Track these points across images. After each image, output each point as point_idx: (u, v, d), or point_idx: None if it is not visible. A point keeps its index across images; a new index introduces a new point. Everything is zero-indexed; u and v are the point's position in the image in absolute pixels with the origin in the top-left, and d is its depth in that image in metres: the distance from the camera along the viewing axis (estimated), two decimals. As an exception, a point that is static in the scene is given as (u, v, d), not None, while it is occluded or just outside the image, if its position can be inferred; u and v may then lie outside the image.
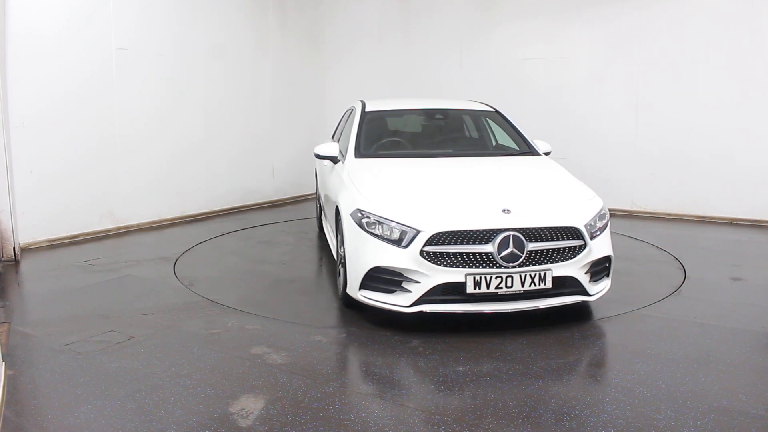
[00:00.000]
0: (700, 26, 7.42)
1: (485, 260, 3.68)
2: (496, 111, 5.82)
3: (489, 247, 3.66)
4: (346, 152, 5.06)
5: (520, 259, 3.68)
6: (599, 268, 4.06)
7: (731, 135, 7.37)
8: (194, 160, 7.97)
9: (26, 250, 6.01)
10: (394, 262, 3.74)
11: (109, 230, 6.90)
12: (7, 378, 3.20)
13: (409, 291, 3.75)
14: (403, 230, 3.74)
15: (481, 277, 3.65)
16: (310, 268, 5.68)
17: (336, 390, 3.14)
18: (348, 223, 4.08)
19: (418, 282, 3.71)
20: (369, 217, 3.90)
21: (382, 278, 3.82)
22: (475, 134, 5.88)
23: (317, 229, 7.06)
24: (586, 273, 3.92)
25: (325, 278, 5.21)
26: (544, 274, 3.72)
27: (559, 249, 3.80)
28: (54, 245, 6.29)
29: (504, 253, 3.66)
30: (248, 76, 8.77)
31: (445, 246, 3.68)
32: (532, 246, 3.71)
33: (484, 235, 3.68)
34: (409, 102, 6.40)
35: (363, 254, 3.89)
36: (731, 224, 7.37)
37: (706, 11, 7.38)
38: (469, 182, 4.44)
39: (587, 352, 3.69)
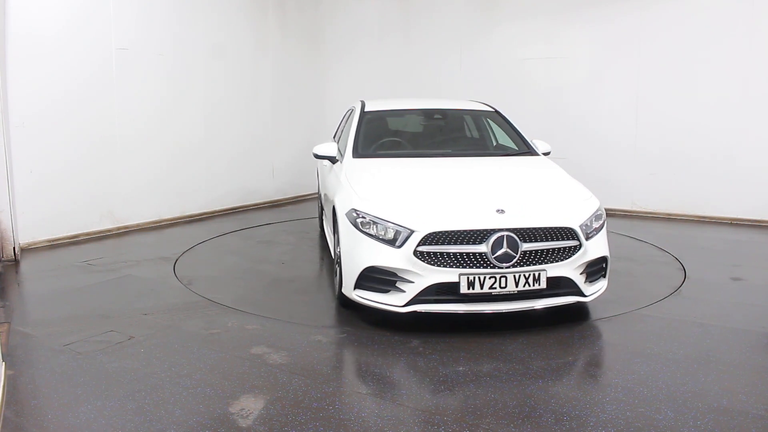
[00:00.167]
0: (700, 26, 7.42)
1: (479, 260, 3.67)
2: (496, 111, 5.82)
3: (483, 248, 3.66)
4: (345, 152, 5.07)
5: (514, 260, 3.67)
6: (595, 269, 4.04)
7: (731, 135, 7.37)
8: (194, 160, 7.97)
9: (26, 250, 6.01)
10: (388, 261, 3.74)
11: (109, 230, 6.90)
12: (7, 378, 3.20)
13: (403, 291, 3.75)
14: (397, 230, 3.75)
15: (474, 278, 3.65)
16: (310, 268, 5.68)
17: (336, 390, 3.14)
18: (343, 223, 4.09)
19: (412, 282, 3.71)
20: (364, 217, 3.90)
21: (376, 278, 3.83)
22: (474, 134, 5.88)
23: (318, 229, 7.06)
24: (581, 274, 3.91)
25: (324, 278, 5.21)
26: (539, 275, 3.71)
27: (553, 249, 3.79)
28: (54, 245, 6.29)
29: (498, 253, 3.65)
30: (248, 76, 8.77)
31: (439, 246, 3.68)
32: (526, 246, 3.70)
33: (477, 235, 3.68)
34: (408, 102, 6.40)
35: (358, 254, 3.89)
36: (731, 224, 7.37)
37: (706, 11, 7.38)
38: (465, 182, 4.43)
39: (587, 352, 3.69)
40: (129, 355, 3.52)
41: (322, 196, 6.18)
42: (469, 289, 3.66)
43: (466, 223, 3.72)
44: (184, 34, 7.65)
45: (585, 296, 3.96)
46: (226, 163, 8.44)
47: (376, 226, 3.83)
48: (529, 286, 3.71)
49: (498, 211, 3.80)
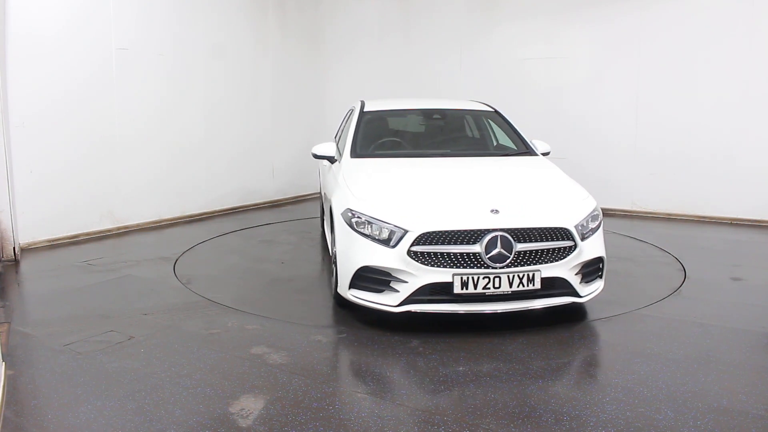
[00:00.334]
0: (700, 26, 7.42)
1: (473, 260, 3.67)
2: (495, 111, 5.82)
3: (477, 248, 3.65)
4: (343, 152, 5.08)
5: (508, 260, 3.66)
6: (591, 269, 4.02)
7: (731, 135, 7.37)
8: (194, 160, 7.97)
9: (26, 250, 6.01)
10: (383, 261, 3.74)
11: (109, 230, 6.90)
12: (7, 378, 3.20)
13: (397, 291, 3.75)
14: (391, 230, 3.75)
15: (468, 278, 3.65)
16: (310, 268, 5.67)
17: (336, 390, 3.15)
18: (339, 223, 4.10)
19: (406, 282, 3.72)
20: (359, 217, 3.91)
21: (370, 278, 3.83)
22: (473, 134, 5.88)
23: (320, 229, 7.06)
24: (576, 274, 3.89)
25: (323, 278, 5.21)
26: (533, 275, 3.71)
27: (548, 250, 3.77)
28: (54, 245, 6.29)
29: (492, 253, 3.65)
30: (248, 76, 8.77)
31: (433, 246, 3.68)
32: (520, 246, 3.69)
33: (471, 236, 3.67)
34: (407, 102, 6.39)
35: (353, 254, 3.90)
36: (731, 224, 7.37)
37: (706, 11, 7.38)
38: (461, 182, 4.43)
39: (587, 352, 3.69)
40: (129, 355, 3.52)
41: (323, 195, 6.18)
42: (462, 289, 3.66)
43: (460, 223, 3.72)
44: (184, 34, 7.65)
45: (580, 297, 3.94)
46: (226, 163, 8.44)
47: (371, 226, 3.83)
48: (524, 286, 3.70)
49: (492, 211, 3.79)
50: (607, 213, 8.03)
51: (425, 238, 3.68)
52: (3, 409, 2.88)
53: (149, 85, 7.26)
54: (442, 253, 3.68)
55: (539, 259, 3.76)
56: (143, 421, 2.77)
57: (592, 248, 3.94)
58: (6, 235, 5.60)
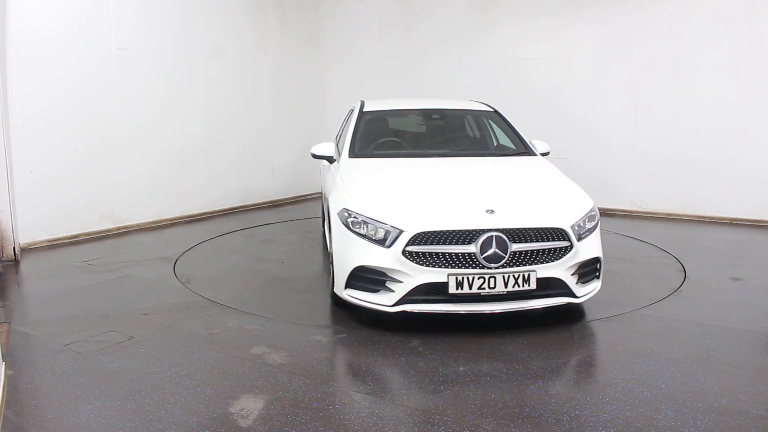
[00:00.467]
0: (700, 26, 7.42)
1: (468, 261, 3.66)
2: (495, 111, 5.81)
3: (472, 248, 3.65)
4: (342, 152, 5.08)
5: (504, 260, 3.66)
6: (588, 270, 4.01)
7: (731, 135, 7.37)
8: (194, 160, 7.97)
9: (26, 250, 6.01)
10: (378, 261, 3.75)
11: (109, 230, 6.90)
12: (7, 378, 3.20)
13: (393, 291, 3.75)
14: (387, 230, 3.75)
15: (463, 278, 3.65)
16: (309, 267, 5.67)
17: (336, 390, 3.15)
18: (335, 222, 4.10)
19: (401, 282, 3.71)
20: (356, 217, 3.91)
21: (366, 277, 3.83)
22: (473, 134, 5.87)
23: (321, 228, 7.06)
24: (573, 275, 3.87)
25: (324, 277, 5.21)
26: (528, 275, 3.69)
27: (544, 250, 3.76)
28: (54, 245, 6.29)
29: (487, 253, 3.64)
30: (248, 76, 8.77)
31: (428, 246, 3.68)
32: (516, 247, 3.68)
33: (467, 236, 3.67)
34: (407, 102, 6.39)
35: (349, 253, 3.90)
36: (731, 224, 7.37)
37: (706, 11, 7.38)
38: (458, 182, 4.42)
39: (587, 352, 3.69)
40: (129, 355, 3.52)
41: (324, 195, 6.18)
42: (457, 289, 3.66)
43: (455, 223, 3.72)
44: (184, 34, 7.66)
45: (577, 297, 3.92)
46: (226, 163, 8.44)
47: (367, 226, 3.83)
48: (519, 286, 3.69)
49: (488, 211, 3.79)
50: (607, 213, 8.04)
51: (420, 238, 3.68)
52: (3, 409, 2.88)
53: (149, 85, 7.26)
54: (437, 253, 3.68)
55: (535, 259, 3.75)
56: (143, 421, 2.77)
57: (588, 249, 3.93)
58: (6, 235, 5.60)
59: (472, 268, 3.66)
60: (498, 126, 5.69)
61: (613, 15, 7.97)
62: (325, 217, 6.29)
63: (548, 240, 3.77)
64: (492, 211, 3.78)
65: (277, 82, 9.22)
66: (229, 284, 5.11)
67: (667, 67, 7.67)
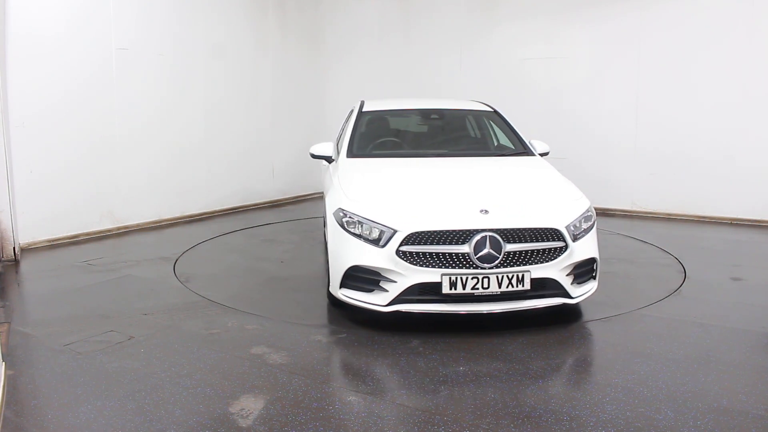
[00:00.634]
0: (700, 26, 7.42)
1: (462, 261, 3.66)
2: (494, 111, 5.81)
3: (465, 248, 3.64)
4: (340, 152, 5.08)
5: (497, 260, 3.65)
6: (584, 270, 3.99)
7: (731, 135, 7.37)
8: (194, 160, 7.97)
9: (26, 250, 6.01)
10: (372, 261, 3.75)
11: (109, 230, 6.90)
12: (7, 378, 3.20)
13: (386, 290, 3.75)
14: (381, 230, 3.75)
15: (456, 278, 3.64)
16: (309, 267, 5.67)
17: (336, 390, 3.15)
18: (331, 222, 4.11)
19: (395, 282, 3.72)
20: (351, 217, 3.91)
21: (361, 277, 3.84)
22: (472, 134, 5.87)
23: (323, 228, 7.05)
24: (568, 275, 3.85)
25: (323, 277, 5.20)
26: (522, 276, 3.68)
27: (538, 250, 3.75)
28: (54, 245, 6.29)
29: (481, 253, 3.64)
30: (248, 76, 8.77)
31: (422, 246, 3.68)
32: (510, 247, 3.67)
33: (460, 236, 3.67)
34: (406, 102, 6.39)
35: (343, 253, 3.91)
36: (731, 224, 7.37)
37: (706, 11, 7.38)
38: (454, 182, 4.42)
39: (587, 352, 3.69)
40: (129, 355, 3.52)
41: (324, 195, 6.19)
42: (451, 289, 3.66)
43: (449, 223, 3.71)
44: (184, 34, 7.66)
45: (572, 298, 3.90)
46: (226, 163, 8.44)
47: (362, 226, 3.84)
48: (513, 287, 3.68)
49: (482, 211, 3.78)
50: (607, 213, 8.04)
51: (414, 238, 3.68)
52: (3, 409, 2.88)
53: (149, 85, 7.26)
54: (431, 253, 3.68)
55: (529, 259, 3.74)
56: (143, 421, 2.77)
57: (584, 249, 3.91)
58: (6, 235, 5.60)
59: (466, 268, 3.66)
60: (498, 126, 5.69)
61: (613, 15, 7.97)
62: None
63: (543, 240, 3.76)
64: (486, 211, 3.78)
65: (277, 82, 9.22)
66: (229, 284, 5.11)
67: (667, 67, 7.67)
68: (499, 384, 3.16)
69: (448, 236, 3.67)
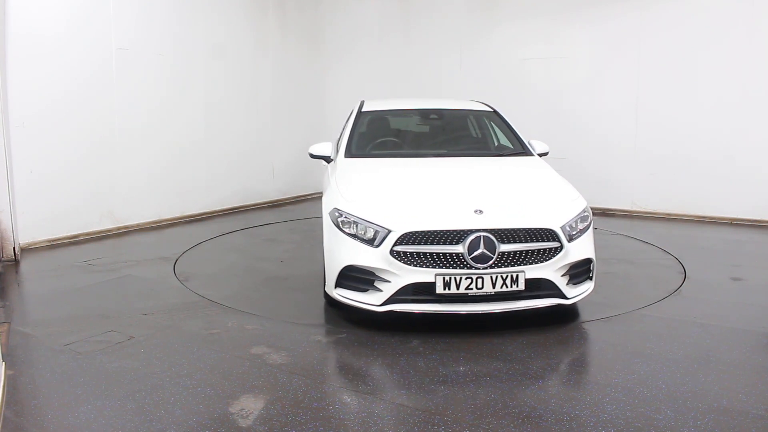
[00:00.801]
0: (700, 26, 7.42)
1: (456, 261, 3.66)
2: (494, 111, 5.80)
3: (460, 248, 3.64)
4: (339, 151, 5.09)
5: (491, 261, 3.64)
6: (579, 271, 3.96)
7: (731, 135, 7.37)
8: (194, 160, 7.97)
9: (26, 250, 6.01)
10: (366, 261, 3.75)
11: (109, 230, 6.90)
12: (7, 378, 3.20)
13: (381, 290, 3.75)
14: (375, 230, 3.75)
15: (450, 278, 3.64)
16: (308, 267, 5.66)
17: (336, 390, 3.15)
18: (326, 222, 4.12)
19: (389, 281, 3.71)
20: (346, 217, 3.91)
21: (355, 277, 3.84)
22: (472, 134, 5.86)
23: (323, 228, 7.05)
24: (563, 276, 3.84)
25: (321, 277, 5.20)
26: (517, 276, 3.68)
27: (533, 251, 3.74)
28: (54, 245, 6.29)
29: (475, 253, 3.63)
30: (248, 76, 8.77)
31: (416, 246, 3.67)
32: (504, 247, 3.67)
33: (454, 236, 3.66)
34: (406, 102, 6.38)
35: (338, 253, 3.91)
36: (731, 224, 7.37)
37: (706, 11, 7.38)
38: (449, 182, 4.41)
39: (587, 352, 3.69)
40: (129, 355, 3.52)
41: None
42: (445, 289, 3.65)
43: (443, 223, 3.71)
44: (184, 34, 7.66)
45: (567, 298, 3.88)
46: (226, 163, 8.44)
47: (357, 226, 3.84)
48: (507, 287, 3.68)
49: (476, 211, 3.77)
50: (607, 213, 8.04)
51: (408, 238, 3.68)
52: (3, 409, 2.88)
53: (149, 85, 7.26)
54: (425, 253, 3.67)
55: (524, 260, 3.73)
56: (143, 421, 2.77)
57: (580, 249, 3.89)
58: (6, 235, 5.60)
59: (460, 268, 3.65)
60: (497, 126, 5.68)
61: (613, 15, 7.97)
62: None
63: (537, 241, 3.75)
64: (480, 212, 3.77)
65: (277, 82, 9.22)
66: (229, 284, 5.11)
67: (667, 67, 7.67)
68: (499, 384, 3.16)
69: (442, 236, 3.67)
